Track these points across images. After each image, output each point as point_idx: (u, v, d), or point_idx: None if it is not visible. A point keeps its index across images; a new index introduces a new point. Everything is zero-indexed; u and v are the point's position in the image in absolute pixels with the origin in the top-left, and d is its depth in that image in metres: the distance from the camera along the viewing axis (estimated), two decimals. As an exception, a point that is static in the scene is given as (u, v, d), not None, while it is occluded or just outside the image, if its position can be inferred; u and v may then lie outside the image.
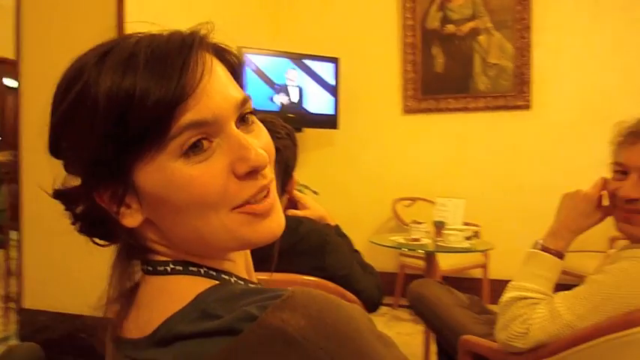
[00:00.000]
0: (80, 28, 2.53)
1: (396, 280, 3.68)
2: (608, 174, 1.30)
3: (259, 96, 3.72)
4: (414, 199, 3.95)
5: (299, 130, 4.05)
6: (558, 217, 1.32)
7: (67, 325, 2.71)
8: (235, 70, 0.55)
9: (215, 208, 0.48)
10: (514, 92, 3.78)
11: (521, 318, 1.20)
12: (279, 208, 0.53)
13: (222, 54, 0.54)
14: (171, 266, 0.52)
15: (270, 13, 4.23)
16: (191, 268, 0.52)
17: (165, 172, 0.47)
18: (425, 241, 2.70)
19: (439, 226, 2.76)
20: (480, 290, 3.58)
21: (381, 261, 3.85)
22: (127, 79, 0.45)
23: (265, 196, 0.52)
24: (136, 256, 0.54)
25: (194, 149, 0.47)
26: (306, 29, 4.24)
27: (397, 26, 4.04)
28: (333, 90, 3.99)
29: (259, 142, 0.52)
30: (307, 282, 1.12)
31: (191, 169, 0.47)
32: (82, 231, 0.55)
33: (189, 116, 0.46)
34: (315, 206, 1.45)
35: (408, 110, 4.05)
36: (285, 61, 3.86)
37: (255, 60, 3.70)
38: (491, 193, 3.82)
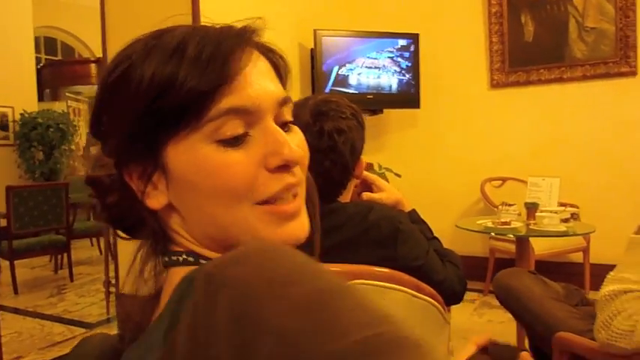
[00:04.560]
0: (161, 26, 2.60)
1: (486, 265, 3.50)
2: None
3: (337, 77, 3.65)
4: (504, 179, 3.72)
5: (380, 111, 3.93)
6: None
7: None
8: (279, 70, 0.54)
9: (240, 200, 0.47)
10: (616, 58, 3.43)
11: (625, 313, 1.06)
12: (304, 212, 0.52)
13: (268, 53, 0.53)
14: (184, 257, 0.50)
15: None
16: (202, 261, 0.49)
17: (197, 154, 0.46)
18: (516, 224, 2.50)
19: (531, 207, 2.54)
20: (582, 276, 3.32)
21: (470, 245, 3.68)
22: (170, 66, 0.46)
23: (294, 197, 0.50)
24: (160, 250, 0.53)
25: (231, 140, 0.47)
26: (383, 5, 4.09)
27: (481, -5, 3.79)
28: (414, 68, 3.83)
29: (293, 141, 0.51)
30: (378, 273, 1.04)
31: (223, 154, 0.46)
32: (108, 221, 0.55)
33: (229, 100, 0.46)
34: (390, 189, 1.37)
35: (496, 84, 3.80)
36: (363, 40, 3.75)
37: (331, 41, 3.63)
38: (590, 171, 3.51)
